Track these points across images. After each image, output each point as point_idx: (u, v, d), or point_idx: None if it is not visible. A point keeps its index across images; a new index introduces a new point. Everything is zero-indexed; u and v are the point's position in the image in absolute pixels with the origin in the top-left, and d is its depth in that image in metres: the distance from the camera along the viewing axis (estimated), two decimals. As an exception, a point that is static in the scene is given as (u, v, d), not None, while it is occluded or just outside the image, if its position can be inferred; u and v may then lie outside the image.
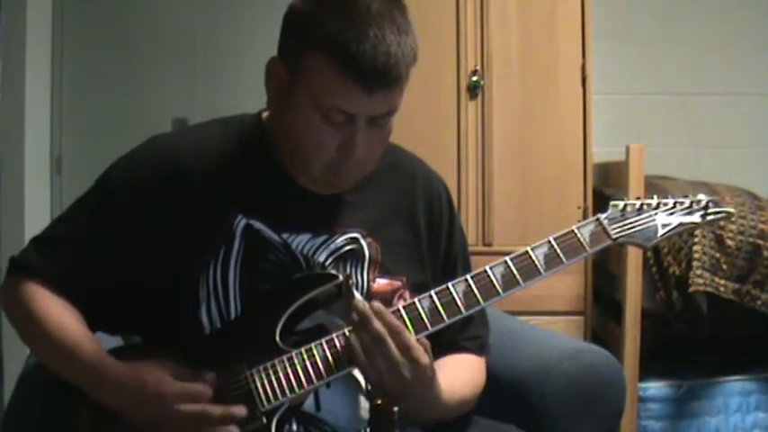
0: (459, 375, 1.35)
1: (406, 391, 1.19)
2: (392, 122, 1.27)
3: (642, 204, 1.31)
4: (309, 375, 1.20)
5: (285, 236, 1.30)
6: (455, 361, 1.38)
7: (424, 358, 1.19)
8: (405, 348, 1.17)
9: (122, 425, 1.22)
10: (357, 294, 1.30)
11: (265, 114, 1.37)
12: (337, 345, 1.21)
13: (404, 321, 1.20)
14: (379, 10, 1.18)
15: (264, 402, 1.20)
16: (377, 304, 1.20)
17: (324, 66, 1.18)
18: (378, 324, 1.17)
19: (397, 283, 1.34)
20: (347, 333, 1.21)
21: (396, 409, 1.24)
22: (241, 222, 1.29)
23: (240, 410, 1.17)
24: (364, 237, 1.33)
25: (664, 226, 1.30)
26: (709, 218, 1.32)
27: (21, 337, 1.34)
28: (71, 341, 1.26)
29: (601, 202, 2.57)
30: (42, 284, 1.30)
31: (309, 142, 1.24)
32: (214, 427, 1.16)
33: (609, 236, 1.28)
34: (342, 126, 1.21)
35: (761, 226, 2.40)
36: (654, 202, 1.31)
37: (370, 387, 1.26)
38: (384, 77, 1.18)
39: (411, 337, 1.19)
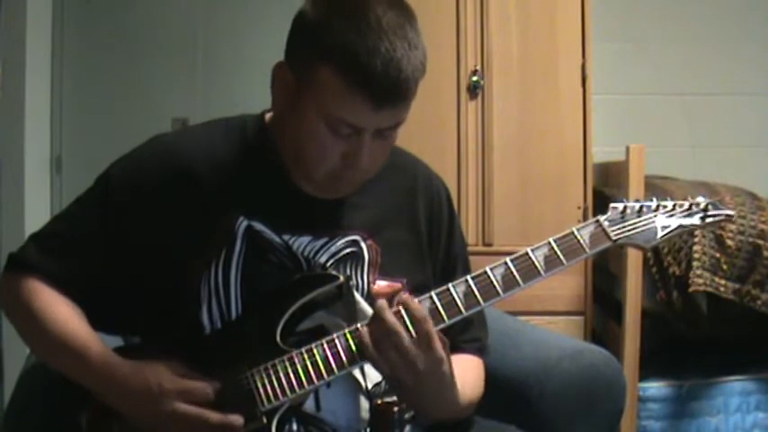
0: (467, 375, 1.35)
1: (420, 384, 1.19)
2: (397, 133, 1.27)
3: (642, 206, 1.31)
4: (310, 375, 1.20)
5: (286, 237, 1.30)
6: (461, 361, 1.38)
7: (439, 351, 1.19)
8: (423, 336, 1.17)
9: (122, 425, 1.22)
10: (357, 295, 1.31)
11: (268, 116, 1.37)
12: (338, 345, 1.21)
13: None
14: (391, 23, 1.17)
15: (265, 402, 1.20)
16: (405, 294, 1.20)
17: (332, 79, 1.17)
18: (390, 315, 1.18)
19: (398, 285, 1.34)
20: (347, 333, 1.21)
21: (396, 409, 1.24)
22: (242, 224, 1.29)
23: (238, 419, 1.17)
24: (364, 239, 1.33)
25: (663, 228, 1.30)
26: (709, 220, 1.32)
27: (20, 334, 1.33)
28: (76, 340, 1.25)
29: (601, 202, 2.57)
30: (42, 281, 1.30)
31: (313, 150, 1.23)
32: None
33: (609, 237, 1.28)
34: (347, 137, 1.21)
35: (761, 226, 2.40)
36: (653, 204, 1.31)
37: (373, 389, 1.26)
38: (393, 94, 1.17)
39: (432, 328, 1.19)
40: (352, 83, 1.16)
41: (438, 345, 1.19)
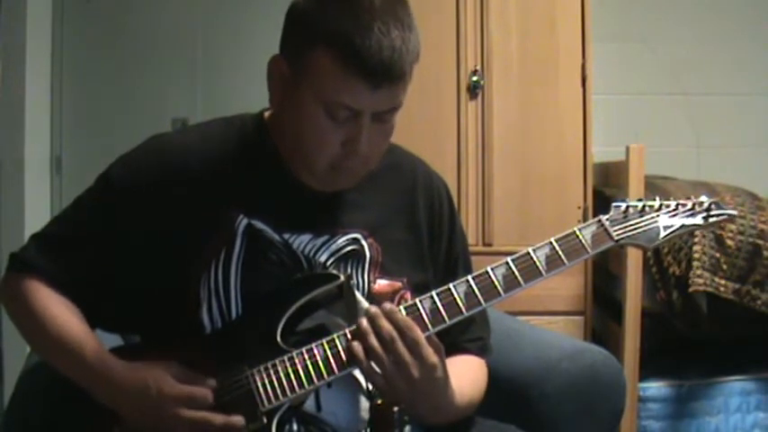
0: (466, 376, 1.35)
1: (416, 392, 1.19)
2: (395, 119, 1.27)
3: (644, 206, 1.30)
4: (310, 375, 1.20)
5: (286, 236, 1.30)
6: (461, 362, 1.38)
7: (433, 357, 1.18)
8: (413, 345, 1.17)
9: (123, 425, 1.22)
10: (358, 295, 1.30)
11: (267, 113, 1.37)
12: (338, 345, 1.20)
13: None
14: (383, 5, 1.19)
15: (265, 402, 1.19)
16: (388, 304, 1.20)
17: (328, 61, 1.18)
18: (386, 323, 1.17)
19: (398, 284, 1.34)
20: (348, 334, 1.21)
21: (396, 409, 1.24)
22: (242, 222, 1.29)
23: (240, 420, 1.17)
24: (365, 237, 1.33)
25: (666, 228, 1.29)
26: (712, 220, 1.31)
27: (20, 332, 1.33)
28: (73, 339, 1.26)
29: (601, 202, 2.58)
30: (43, 281, 1.30)
31: (313, 139, 1.23)
32: None
33: (611, 237, 1.27)
34: (346, 122, 1.21)
35: (761, 226, 2.40)
36: (656, 203, 1.31)
37: (374, 390, 1.26)
38: (389, 72, 1.18)
39: (420, 335, 1.18)
40: (347, 64, 1.17)
41: (429, 351, 1.18)
